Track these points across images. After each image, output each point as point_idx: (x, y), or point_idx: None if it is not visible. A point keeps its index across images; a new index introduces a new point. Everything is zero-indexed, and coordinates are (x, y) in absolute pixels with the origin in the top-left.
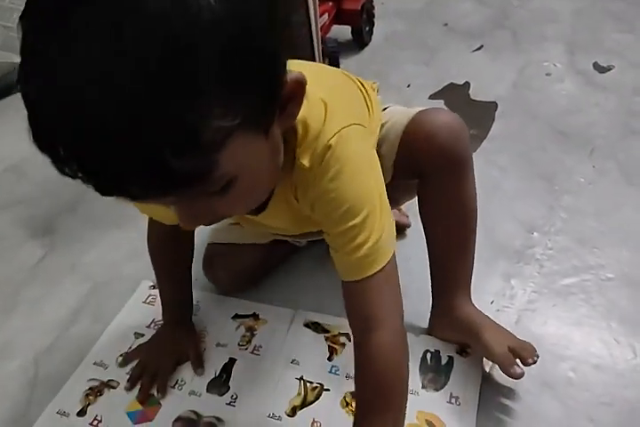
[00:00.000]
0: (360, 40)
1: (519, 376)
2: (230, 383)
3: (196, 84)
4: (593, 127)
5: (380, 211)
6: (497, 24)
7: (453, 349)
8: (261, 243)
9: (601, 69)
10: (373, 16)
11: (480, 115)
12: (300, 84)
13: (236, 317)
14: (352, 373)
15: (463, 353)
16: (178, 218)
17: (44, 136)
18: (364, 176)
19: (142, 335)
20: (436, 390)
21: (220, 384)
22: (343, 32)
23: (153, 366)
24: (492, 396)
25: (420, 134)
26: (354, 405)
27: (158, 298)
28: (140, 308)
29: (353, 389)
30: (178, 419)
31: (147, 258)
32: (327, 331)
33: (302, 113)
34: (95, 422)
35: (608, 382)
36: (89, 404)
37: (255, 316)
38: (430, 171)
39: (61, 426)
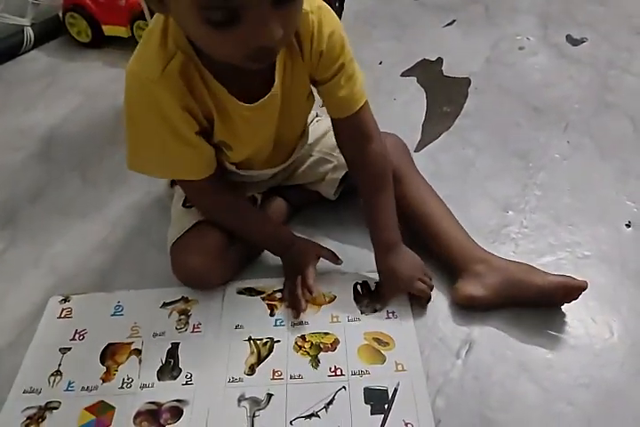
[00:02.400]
0: None
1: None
2: (181, 365)
3: None
4: (567, 101)
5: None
6: None
7: (377, 276)
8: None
9: (574, 42)
10: None
11: (453, 91)
12: None
13: (165, 305)
14: (296, 320)
15: None
16: (264, 35)
17: None
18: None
19: (69, 349)
20: (374, 312)
21: (169, 370)
22: None
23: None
24: (469, 381)
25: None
26: (306, 346)
27: (74, 309)
28: (57, 324)
29: (301, 333)
30: (137, 415)
31: (117, 249)
32: (262, 292)
33: None
34: None
35: (585, 363)
36: None
37: (184, 299)
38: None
39: None
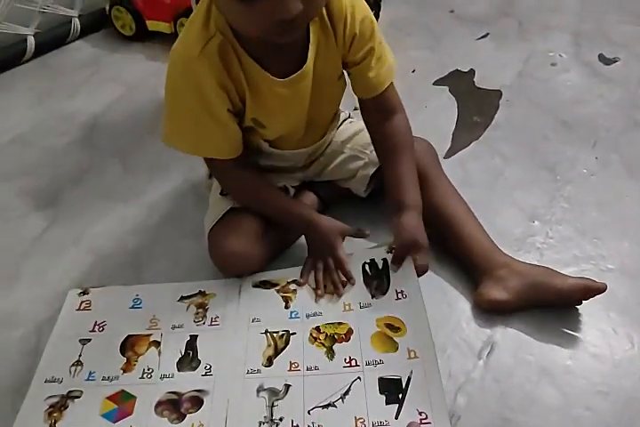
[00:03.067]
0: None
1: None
2: (199, 357)
3: None
4: (597, 119)
5: None
6: (502, 12)
7: (384, 251)
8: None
9: (606, 61)
10: (380, 0)
11: (484, 102)
12: None
13: (182, 298)
14: (311, 312)
15: (392, 250)
16: (282, 7)
17: None
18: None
19: (89, 340)
20: (383, 293)
21: (189, 361)
22: None
23: (327, 257)
24: (490, 382)
25: None
26: (321, 337)
27: (93, 302)
28: (76, 316)
29: (315, 325)
30: (159, 404)
31: (150, 234)
32: (276, 284)
33: None
34: None
35: (605, 372)
36: (55, 421)
37: (202, 293)
38: None
39: None
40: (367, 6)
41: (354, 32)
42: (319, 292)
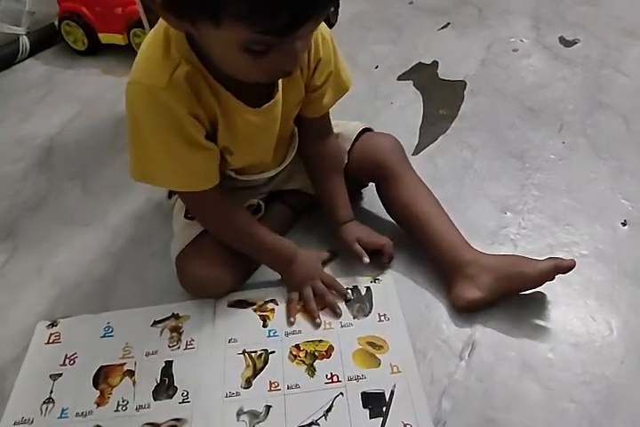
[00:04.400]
0: (327, 21)
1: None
2: (176, 384)
3: None
4: (561, 102)
5: None
6: (461, 0)
7: (367, 281)
8: None
9: (567, 43)
10: None
11: (449, 94)
12: None
13: (156, 323)
14: (290, 330)
15: (376, 280)
16: (290, 62)
17: None
18: None
19: (60, 375)
20: (366, 315)
21: (165, 389)
22: None
23: (316, 282)
24: (473, 382)
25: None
26: (301, 355)
27: (62, 334)
28: (45, 350)
29: (295, 343)
30: None
31: (116, 258)
32: (253, 304)
33: None
34: None
35: (586, 361)
36: None
37: (175, 316)
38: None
39: None
40: (326, 26)
41: (318, 57)
42: (317, 321)
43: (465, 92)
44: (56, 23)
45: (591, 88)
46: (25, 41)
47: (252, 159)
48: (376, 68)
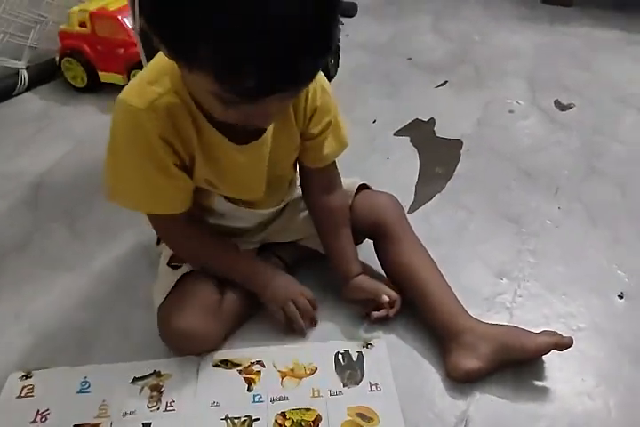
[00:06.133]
0: (326, 73)
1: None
2: None
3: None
4: (556, 167)
5: None
6: (459, 59)
7: (359, 345)
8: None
9: (562, 107)
10: (339, 49)
11: (445, 152)
12: None
13: (135, 380)
14: (275, 396)
15: (368, 345)
16: (261, 120)
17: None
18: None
19: None
20: (357, 384)
21: None
22: None
23: (298, 297)
24: None
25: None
26: (286, 424)
27: (36, 387)
28: (16, 404)
29: (281, 410)
30: None
31: (98, 306)
32: (239, 364)
33: None
34: None
35: None
36: None
37: (157, 373)
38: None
39: None
40: (326, 79)
41: (315, 106)
42: (305, 332)
43: (461, 152)
44: (57, 59)
45: (586, 154)
46: (24, 74)
47: (240, 194)
48: (374, 122)
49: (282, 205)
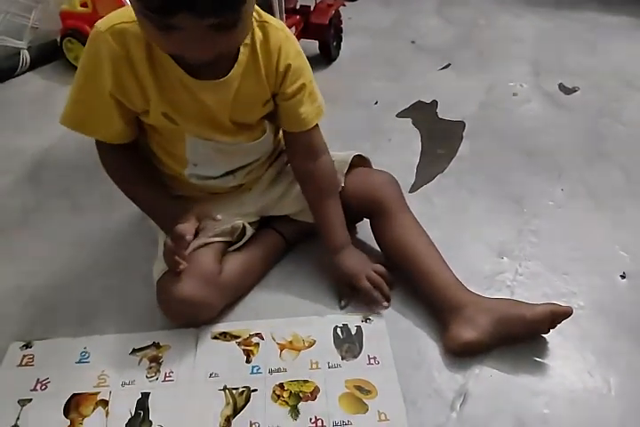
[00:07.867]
0: (327, 55)
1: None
2: (151, 418)
3: None
4: (560, 149)
5: None
6: (463, 43)
7: (358, 319)
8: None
9: (566, 91)
10: (341, 31)
11: (448, 134)
12: None
13: (134, 351)
14: (274, 367)
15: (367, 320)
16: (197, 52)
17: None
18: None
19: (29, 400)
20: (355, 357)
21: (139, 423)
22: (311, 47)
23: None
24: None
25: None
26: (284, 395)
27: (36, 356)
28: (17, 372)
29: (279, 381)
30: None
31: (99, 280)
32: (237, 336)
33: None
34: None
35: (582, 419)
36: None
37: (155, 345)
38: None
39: None
40: (297, 44)
41: (287, 63)
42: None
43: (464, 133)
44: (58, 39)
45: (590, 136)
46: (26, 55)
47: (202, 130)
48: (375, 103)
49: (260, 158)
